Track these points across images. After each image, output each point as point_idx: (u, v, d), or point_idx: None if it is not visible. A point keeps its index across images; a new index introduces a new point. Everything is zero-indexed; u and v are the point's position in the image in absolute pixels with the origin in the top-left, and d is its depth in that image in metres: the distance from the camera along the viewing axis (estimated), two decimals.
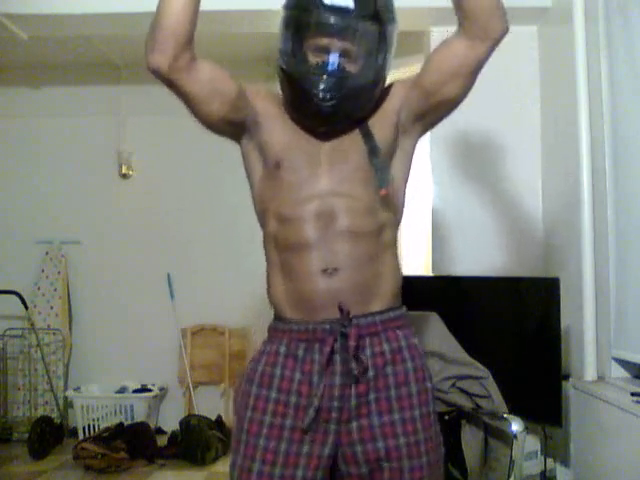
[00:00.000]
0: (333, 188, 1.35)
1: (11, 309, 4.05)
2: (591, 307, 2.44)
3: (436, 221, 3.07)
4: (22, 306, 3.96)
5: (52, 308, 4.17)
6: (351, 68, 1.34)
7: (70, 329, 4.25)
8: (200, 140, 4.28)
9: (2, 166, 4.35)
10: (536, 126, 3.00)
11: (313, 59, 1.34)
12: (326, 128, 1.39)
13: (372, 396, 1.31)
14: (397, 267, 1.42)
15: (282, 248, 1.37)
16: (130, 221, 4.31)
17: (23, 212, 4.32)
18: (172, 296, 4.24)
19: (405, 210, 1.49)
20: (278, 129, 1.40)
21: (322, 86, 1.31)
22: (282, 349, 1.34)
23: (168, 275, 4.26)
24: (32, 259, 4.25)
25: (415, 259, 3.89)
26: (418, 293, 2.71)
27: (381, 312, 1.35)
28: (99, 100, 4.33)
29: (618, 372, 2.36)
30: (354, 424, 1.30)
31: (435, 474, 1.36)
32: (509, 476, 2.00)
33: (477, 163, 3.00)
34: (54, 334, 4.11)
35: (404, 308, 1.43)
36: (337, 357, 1.30)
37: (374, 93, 1.39)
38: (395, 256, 1.42)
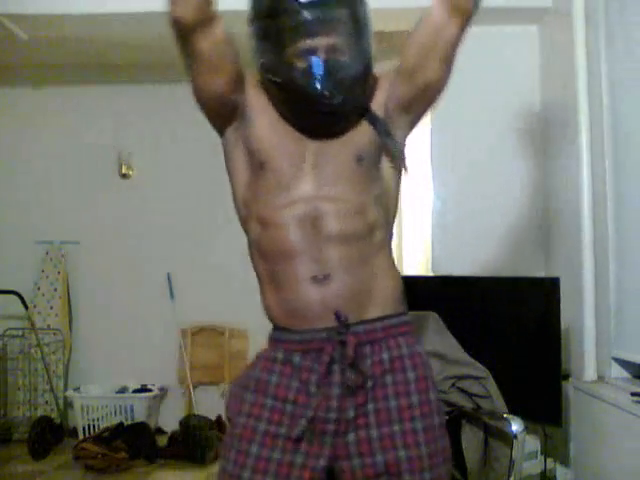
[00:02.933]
0: (318, 191, 1.30)
1: (11, 309, 4.05)
2: (591, 307, 2.44)
3: (436, 221, 3.07)
4: (22, 306, 3.96)
5: (52, 308, 4.17)
6: (341, 58, 1.29)
7: (70, 329, 4.25)
8: (200, 140, 4.29)
9: (2, 166, 4.35)
10: (536, 126, 3.00)
11: (302, 63, 1.28)
12: (331, 123, 1.33)
13: (371, 406, 1.25)
14: (392, 268, 1.37)
15: (267, 256, 1.32)
16: (130, 221, 4.31)
17: (23, 212, 4.32)
18: (172, 296, 4.24)
19: (398, 210, 1.45)
20: (266, 124, 1.34)
21: (324, 85, 1.26)
22: (279, 356, 1.30)
23: (168, 275, 4.26)
24: (32, 259, 4.25)
25: (415, 259, 3.90)
26: (418, 293, 2.72)
27: (381, 318, 1.30)
28: (99, 100, 4.33)
29: (618, 372, 2.36)
30: (351, 436, 1.24)
31: None
32: (509, 476, 2.00)
33: (477, 163, 3.00)
34: (54, 334, 4.11)
35: (407, 315, 1.36)
36: (336, 367, 1.24)
37: (369, 78, 1.35)
38: (389, 257, 1.38)
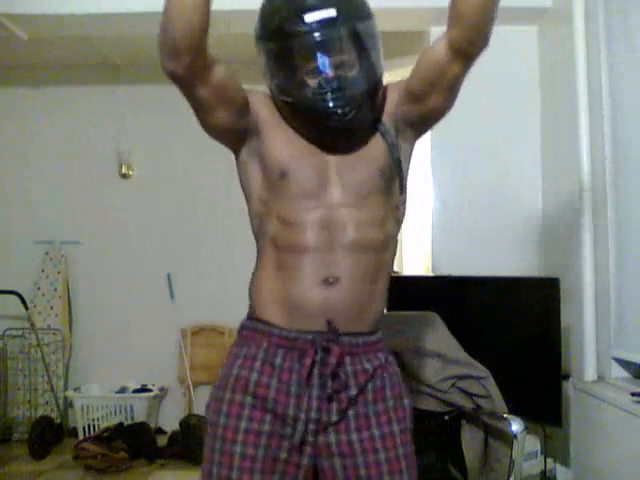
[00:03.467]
0: (341, 200, 1.32)
1: (11, 309, 4.04)
2: (591, 307, 2.44)
3: (436, 221, 3.07)
4: (22, 306, 3.96)
5: (52, 308, 4.17)
6: (351, 74, 1.30)
7: (70, 329, 4.25)
8: (200, 140, 4.29)
9: (2, 166, 4.35)
10: (536, 126, 3.00)
11: (312, 80, 1.29)
12: (347, 138, 1.35)
13: (351, 412, 1.29)
14: (386, 292, 1.40)
15: (282, 248, 1.33)
16: (130, 221, 4.31)
17: (23, 212, 4.32)
18: (172, 296, 4.24)
19: (404, 221, 1.48)
20: (282, 138, 1.35)
21: (336, 103, 1.28)
22: (260, 354, 1.30)
23: (168, 275, 4.26)
24: (32, 259, 4.25)
25: (415, 259, 3.90)
26: (418, 293, 2.73)
27: (363, 334, 1.33)
28: (99, 100, 4.33)
29: (618, 372, 2.36)
30: (332, 437, 1.27)
31: None
32: (509, 476, 2.00)
33: (477, 163, 3.00)
34: (54, 334, 4.11)
35: (380, 333, 1.40)
36: (315, 370, 1.26)
37: (379, 91, 1.37)
38: (387, 280, 1.40)
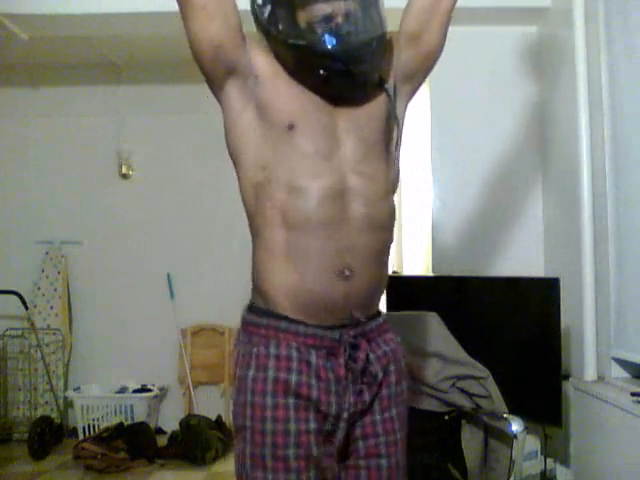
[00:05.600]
0: (352, 164, 1.26)
1: (11, 309, 4.05)
2: (591, 307, 2.44)
3: (436, 221, 3.07)
4: (22, 306, 3.96)
5: (52, 308, 4.17)
6: (361, 22, 1.26)
7: (70, 329, 4.26)
8: (200, 140, 4.29)
9: (2, 166, 4.35)
10: (536, 126, 3.00)
11: (322, 28, 1.24)
12: (354, 90, 1.30)
13: (378, 395, 1.30)
14: (387, 271, 1.38)
15: (289, 226, 1.23)
16: (130, 221, 4.31)
17: (23, 212, 4.32)
18: (172, 296, 4.24)
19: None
20: (285, 88, 1.27)
21: (350, 47, 1.24)
22: (293, 354, 1.23)
23: (168, 275, 4.26)
24: (32, 259, 4.26)
25: (415, 259, 3.90)
26: (418, 293, 2.73)
27: (376, 315, 1.34)
28: (99, 100, 4.33)
29: (618, 372, 2.36)
30: (359, 423, 1.29)
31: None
32: (509, 476, 2.00)
33: (477, 163, 3.00)
34: (54, 334, 4.11)
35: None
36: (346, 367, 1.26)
37: (386, 43, 1.33)
38: (389, 258, 1.38)
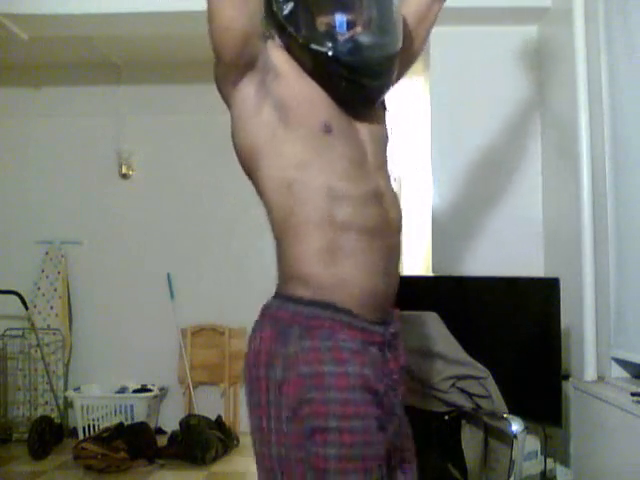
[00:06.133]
0: (377, 170, 1.27)
1: (11, 309, 4.05)
2: (591, 307, 2.44)
3: (436, 221, 3.07)
4: (22, 306, 3.96)
5: (52, 308, 4.17)
6: (379, 33, 1.27)
7: (70, 329, 4.26)
8: (200, 140, 4.30)
9: (2, 166, 4.35)
10: (536, 126, 3.00)
11: (340, 35, 1.23)
12: (366, 105, 1.30)
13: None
14: None
15: (337, 226, 1.20)
16: (130, 221, 4.31)
17: (23, 212, 4.33)
18: (172, 296, 4.24)
19: None
20: (310, 90, 1.25)
21: (372, 57, 1.25)
22: (361, 347, 1.19)
23: (168, 275, 4.26)
24: (32, 259, 4.26)
25: (415, 259, 3.90)
26: (418, 293, 2.73)
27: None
28: (99, 100, 4.33)
29: (618, 372, 2.36)
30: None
31: None
32: (509, 476, 2.00)
33: (477, 163, 3.00)
34: (54, 334, 4.11)
35: None
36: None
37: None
38: None
